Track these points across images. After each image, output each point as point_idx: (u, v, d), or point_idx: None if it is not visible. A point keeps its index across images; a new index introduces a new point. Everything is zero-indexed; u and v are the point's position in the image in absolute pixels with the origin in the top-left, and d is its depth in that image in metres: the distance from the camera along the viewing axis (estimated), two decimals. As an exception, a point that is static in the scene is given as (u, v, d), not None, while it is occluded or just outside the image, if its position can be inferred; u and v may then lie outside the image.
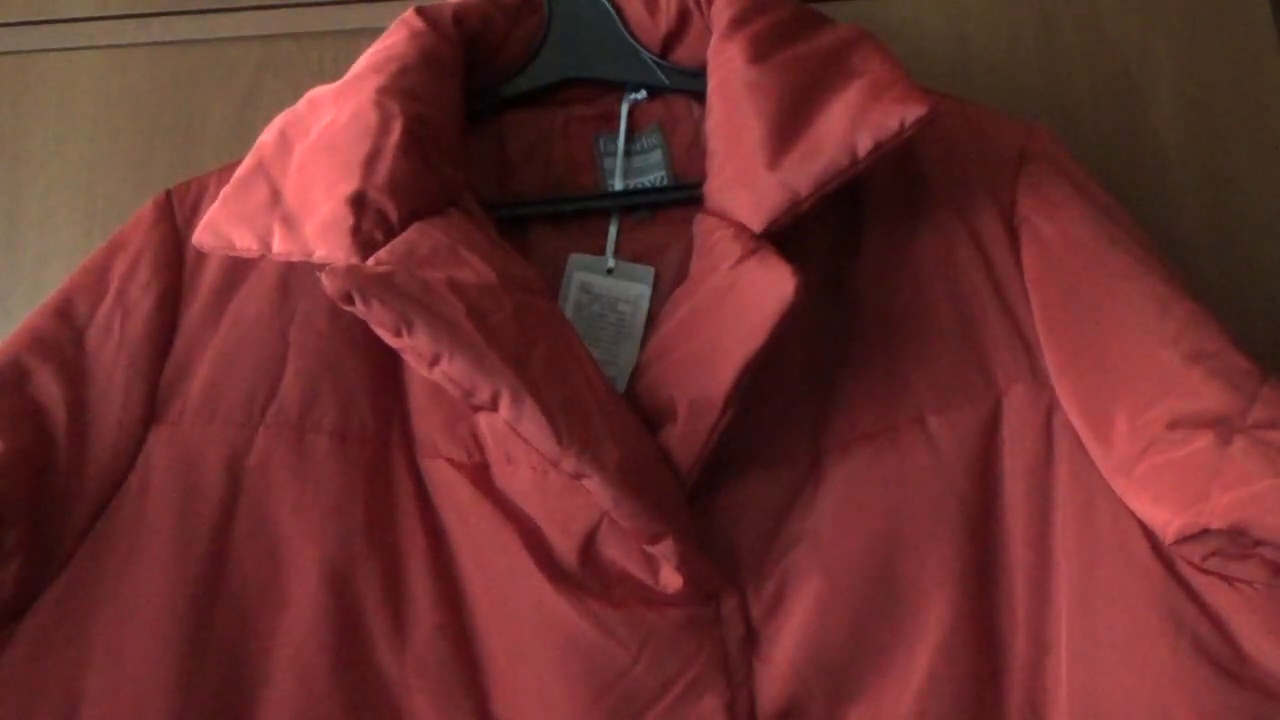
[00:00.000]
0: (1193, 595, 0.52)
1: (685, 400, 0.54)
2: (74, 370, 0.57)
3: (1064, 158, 0.62)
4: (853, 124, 0.55)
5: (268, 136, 0.60)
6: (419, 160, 0.57)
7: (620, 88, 0.67)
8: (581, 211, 0.65)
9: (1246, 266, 0.71)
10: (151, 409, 0.58)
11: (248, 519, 0.56)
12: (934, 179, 0.62)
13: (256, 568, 0.56)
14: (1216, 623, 0.51)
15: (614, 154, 0.66)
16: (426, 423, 0.59)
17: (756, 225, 0.55)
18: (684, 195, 0.64)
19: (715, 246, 0.57)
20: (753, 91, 0.57)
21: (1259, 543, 0.49)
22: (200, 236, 0.58)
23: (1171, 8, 0.75)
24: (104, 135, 0.75)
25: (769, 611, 0.56)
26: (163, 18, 0.76)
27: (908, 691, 0.54)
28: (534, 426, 0.51)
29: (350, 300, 0.51)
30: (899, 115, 0.55)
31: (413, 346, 0.52)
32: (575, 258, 0.65)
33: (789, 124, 0.56)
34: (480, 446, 0.58)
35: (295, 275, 0.60)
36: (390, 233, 0.55)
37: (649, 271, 0.64)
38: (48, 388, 0.57)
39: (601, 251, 0.65)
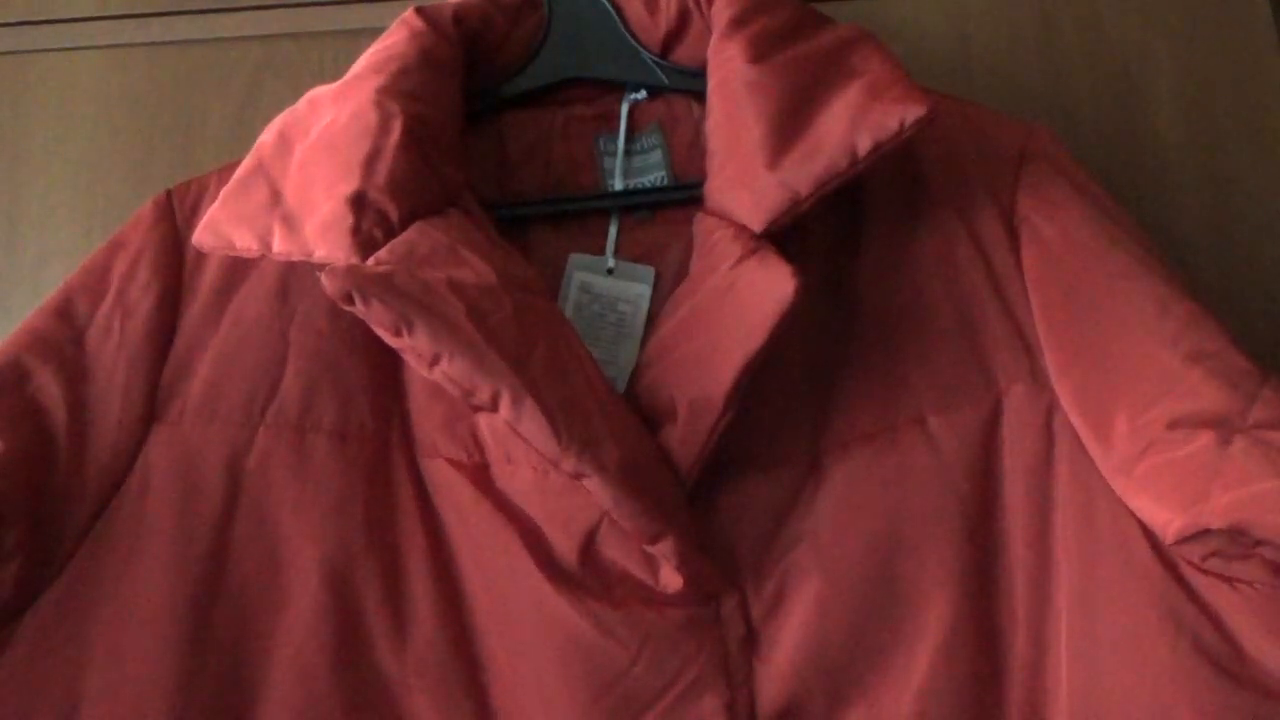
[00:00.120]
0: (1193, 595, 0.52)
1: (685, 400, 0.54)
2: (74, 370, 0.57)
3: (1064, 158, 0.62)
4: (852, 124, 0.55)
5: (267, 136, 0.60)
6: (419, 160, 0.57)
7: (620, 88, 0.67)
8: (581, 211, 0.65)
9: (1246, 266, 0.71)
10: (151, 409, 0.58)
11: (248, 519, 0.56)
12: (934, 179, 0.62)
13: (256, 568, 0.56)
14: (1217, 623, 0.51)
15: (614, 154, 0.66)
16: (426, 423, 0.59)
17: (756, 225, 0.55)
18: (684, 195, 0.64)
19: (715, 246, 0.56)
20: (753, 91, 0.57)
21: (1259, 543, 0.49)
22: (200, 236, 0.58)
23: (1171, 8, 0.75)
24: (104, 135, 0.75)
25: (769, 611, 0.56)
26: (163, 18, 0.76)
27: (908, 692, 0.54)
28: (534, 426, 0.51)
29: (350, 300, 0.51)
30: (899, 115, 0.54)
31: (413, 346, 0.52)
32: (575, 258, 0.65)
33: (789, 124, 0.56)
34: (480, 446, 0.58)
35: (295, 275, 0.60)
36: (390, 233, 0.55)
37: (649, 271, 0.64)
38: (48, 388, 0.57)
39: (601, 251, 0.65)
